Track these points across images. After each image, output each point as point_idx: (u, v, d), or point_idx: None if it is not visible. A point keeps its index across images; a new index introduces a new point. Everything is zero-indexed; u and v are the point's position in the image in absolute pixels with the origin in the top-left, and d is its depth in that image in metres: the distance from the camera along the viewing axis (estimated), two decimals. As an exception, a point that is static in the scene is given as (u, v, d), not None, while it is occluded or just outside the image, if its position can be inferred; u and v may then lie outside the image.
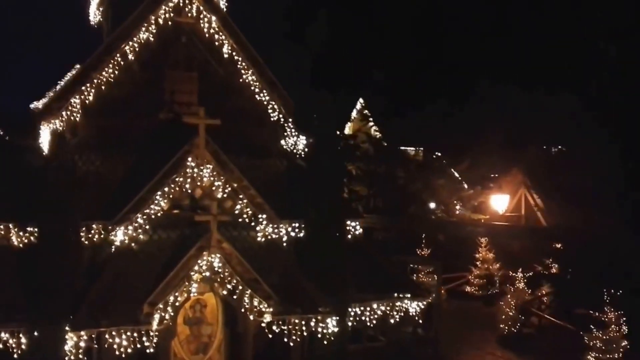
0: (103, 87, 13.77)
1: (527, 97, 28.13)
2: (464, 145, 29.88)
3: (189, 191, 12.57)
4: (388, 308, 13.83)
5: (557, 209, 26.53)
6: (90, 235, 11.84)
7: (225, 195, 12.66)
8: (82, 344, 10.56)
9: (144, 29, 14.04)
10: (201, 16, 14.61)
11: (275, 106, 15.35)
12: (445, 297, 22.68)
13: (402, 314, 13.96)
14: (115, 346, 10.73)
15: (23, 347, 10.76)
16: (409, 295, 13.97)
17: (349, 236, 14.32)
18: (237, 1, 16.10)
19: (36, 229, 11.43)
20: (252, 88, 15.18)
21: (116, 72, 13.86)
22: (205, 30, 14.63)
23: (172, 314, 11.24)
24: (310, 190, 13.73)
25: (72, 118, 13.53)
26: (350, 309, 13.20)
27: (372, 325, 13.76)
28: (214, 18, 14.65)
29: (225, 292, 11.70)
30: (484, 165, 29.66)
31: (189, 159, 12.43)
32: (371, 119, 30.85)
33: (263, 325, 11.87)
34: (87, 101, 13.63)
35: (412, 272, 19.47)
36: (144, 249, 11.96)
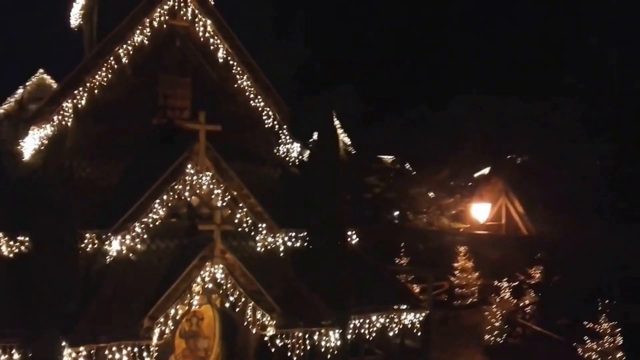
0: (96, 91, 13.25)
1: (506, 106, 28.45)
2: (444, 153, 30.04)
3: (188, 199, 12.14)
4: (387, 320, 13.61)
5: (538, 217, 26.84)
6: (85, 245, 11.29)
7: (224, 204, 12.28)
8: (80, 360, 10.04)
9: (138, 31, 13.59)
10: (196, 19, 14.23)
11: (270, 112, 15.04)
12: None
13: (401, 326, 13.76)
14: (113, 362, 10.23)
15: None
16: (408, 307, 13.78)
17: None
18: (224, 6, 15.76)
19: (27, 238, 10.85)
20: (247, 93, 14.83)
21: (109, 75, 13.37)
22: (200, 33, 14.24)
23: (172, 327, 10.80)
24: (309, 199, 13.45)
25: (63, 123, 12.97)
26: (350, 321, 12.93)
27: (371, 338, 13.51)
28: (209, 21, 14.27)
29: (227, 305, 11.30)
30: (464, 173, 29.86)
31: (189, 165, 12.02)
32: (340, 127, 30.72)
33: (265, 339, 11.51)
34: (79, 105, 13.10)
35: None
36: (143, 259, 11.47)
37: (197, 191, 12.18)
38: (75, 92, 13.12)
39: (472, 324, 23.14)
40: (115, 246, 11.35)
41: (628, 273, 20.94)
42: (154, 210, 11.70)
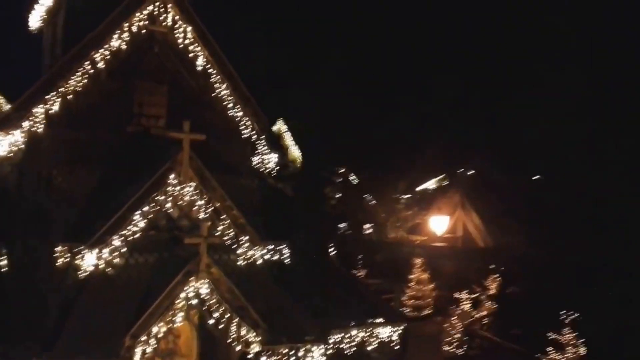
0: (69, 97, 12.66)
1: (465, 118, 29.06)
2: (402, 166, 30.37)
3: (170, 211, 11.74)
4: (367, 335, 13.55)
5: (495, 230, 27.47)
6: (61, 259, 10.70)
7: (207, 216, 11.94)
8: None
9: (116, 36, 13.09)
10: (176, 26, 13.84)
11: (248, 122, 14.79)
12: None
13: (379, 340, 13.72)
14: (93, 383, 9.71)
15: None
16: (386, 321, 13.76)
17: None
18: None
19: (4, 251, 10.22)
20: (225, 103, 14.54)
21: (85, 81, 12.81)
22: (180, 40, 13.86)
23: (155, 346, 10.36)
24: (290, 212, 13.32)
25: (32, 129, 12.31)
26: (332, 336, 12.79)
27: (350, 353, 13.40)
28: (189, 28, 13.91)
29: (211, 321, 10.94)
30: (422, 186, 30.28)
31: (171, 176, 11.63)
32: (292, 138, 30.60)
33: (249, 356, 11.21)
34: (51, 111, 12.48)
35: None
36: (122, 274, 10.98)
37: (180, 202, 11.80)
38: (47, 97, 12.51)
39: (431, 335, 23.41)
40: (93, 260, 10.82)
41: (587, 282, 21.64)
42: (135, 222, 11.25)
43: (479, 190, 28.41)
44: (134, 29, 13.33)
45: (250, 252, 12.46)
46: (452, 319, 22.27)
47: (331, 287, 13.45)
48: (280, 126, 28.95)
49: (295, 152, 29.47)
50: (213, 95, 14.40)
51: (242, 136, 14.73)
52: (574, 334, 18.35)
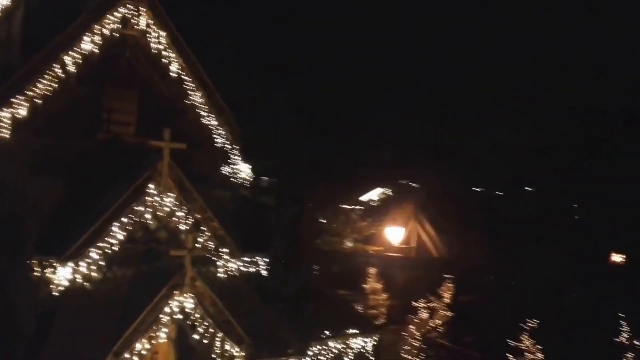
0: (37, 101, 11.98)
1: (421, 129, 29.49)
2: (357, 177, 30.44)
3: (149, 222, 11.26)
4: (343, 346, 13.43)
5: (448, 240, 27.93)
6: (33, 273, 10.03)
7: (187, 227, 11.53)
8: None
9: (87, 38, 12.51)
10: (149, 30, 13.38)
11: (222, 132, 14.46)
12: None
13: (355, 351, 13.64)
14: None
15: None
16: (363, 332, 13.70)
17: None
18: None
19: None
20: (198, 111, 14.17)
21: (53, 84, 12.15)
22: (154, 46, 13.40)
23: (137, 363, 9.86)
24: (264, 223, 13.08)
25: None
26: (311, 349, 12.60)
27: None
28: (163, 33, 13.47)
29: (196, 336, 10.52)
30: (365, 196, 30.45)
31: (151, 186, 11.16)
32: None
33: (231, 371, 10.87)
34: (17, 116, 11.76)
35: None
36: (100, 288, 10.42)
37: (159, 213, 11.34)
38: (14, 100, 11.79)
39: (388, 345, 23.56)
40: (68, 274, 10.22)
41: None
42: (112, 233, 10.71)
43: (433, 202, 28.81)
44: (106, 31, 12.77)
45: (230, 265, 12.14)
46: (410, 327, 22.50)
47: (307, 299, 13.27)
48: None
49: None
50: (186, 103, 14.02)
51: (215, 145, 14.40)
52: (533, 341, 18.84)
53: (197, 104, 14.08)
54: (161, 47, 13.46)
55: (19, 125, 11.76)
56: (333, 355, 13.19)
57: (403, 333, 22.15)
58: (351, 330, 13.51)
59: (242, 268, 12.43)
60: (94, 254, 10.45)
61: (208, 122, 14.27)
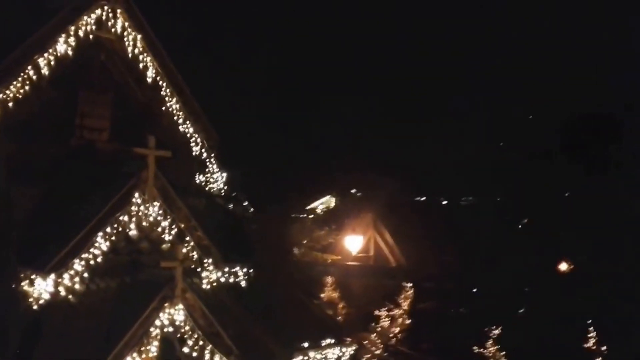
0: (10, 105, 11.33)
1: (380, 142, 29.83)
2: (315, 186, 30.48)
3: (134, 232, 10.81)
4: (323, 357, 13.29)
5: (407, 249, 28.30)
6: (18, 287, 9.43)
7: (171, 237, 11.15)
8: None
9: (61, 40, 11.96)
10: (125, 33, 12.92)
11: (198, 139, 14.11)
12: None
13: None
14: None
15: None
16: (344, 342, 13.61)
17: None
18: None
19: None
20: (174, 118, 13.78)
21: (26, 87, 11.53)
22: (130, 49, 12.95)
23: (127, 380, 9.41)
24: (241, 232, 12.85)
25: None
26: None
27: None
28: (139, 36, 13.04)
29: (185, 350, 10.15)
30: (336, 206, 30.53)
31: (136, 194, 10.73)
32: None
33: (221, 384, 10.54)
34: (-12, 120, 11.10)
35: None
36: (84, 301, 9.90)
37: (144, 223, 10.91)
38: (-16, 104, 11.13)
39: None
40: (51, 287, 9.65)
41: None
42: (96, 244, 10.21)
43: (392, 211, 29.16)
44: (81, 33, 12.27)
45: (214, 275, 11.82)
46: (372, 335, 22.61)
47: (287, 308, 13.09)
48: None
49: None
50: (161, 109, 13.61)
51: (192, 153, 14.04)
52: (496, 347, 19.29)
53: (173, 110, 13.71)
54: (137, 51, 13.06)
55: (-11, 130, 11.13)
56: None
57: (363, 342, 22.23)
58: (332, 340, 13.39)
59: (221, 279, 12.12)
60: (78, 265, 9.92)
61: (184, 129, 13.92)
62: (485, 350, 19.30)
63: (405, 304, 26.32)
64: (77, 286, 9.93)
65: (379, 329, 23.19)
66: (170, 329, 9.91)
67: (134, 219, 10.74)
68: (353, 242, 29.16)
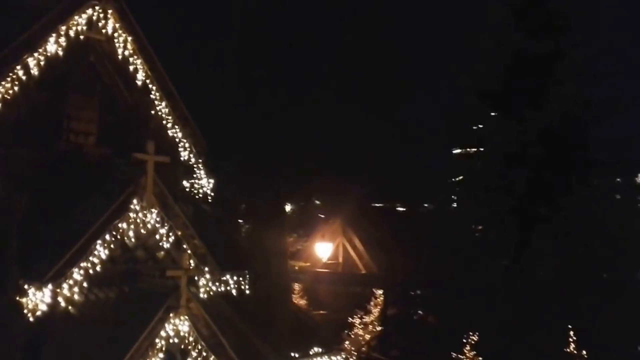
0: (-1, 106, 10.80)
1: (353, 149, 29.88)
2: (286, 193, 30.23)
3: (133, 240, 10.45)
4: (316, 365, 13.19)
5: (375, 257, 28.45)
6: (18, 297, 8.95)
7: (169, 245, 10.85)
8: None
9: (52, 39, 11.48)
10: (115, 35, 12.53)
11: (186, 145, 13.81)
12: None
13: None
14: None
15: None
16: (334, 350, 13.55)
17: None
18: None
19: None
20: (163, 122, 13.45)
21: (14, 88, 11.01)
22: (120, 51, 12.56)
23: (132, 394, 9.07)
24: (231, 239, 12.66)
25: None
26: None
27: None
28: (130, 38, 12.68)
29: (189, 361, 9.88)
30: (305, 212, 30.45)
31: (134, 201, 10.39)
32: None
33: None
34: (-24, 122, 10.53)
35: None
36: (85, 312, 9.49)
37: (142, 230, 10.57)
38: (-28, 105, 10.57)
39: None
40: (49, 297, 9.22)
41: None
42: (95, 253, 9.82)
43: (361, 218, 29.26)
44: (72, 33, 11.82)
45: (211, 284, 11.55)
46: (344, 342, 22.60)
47: (279, 317, 12.95)
48: None
49: None
50: (150, 112, 13.26)
51: (180, 158, 13.73)
52: (473, 353, 19.55)
53: (161, 114, 13.38)
54: (127, 52, 12.69)
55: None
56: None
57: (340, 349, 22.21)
58: (325, 349, 13.32)
59: (219, 288, 11.88)
60: (77, 275, 9.51)
61: (173, 134, 13.60)
62: (462, 356, 19.52)
63: (375, 311, 26.49)
64: (76, 296, 9.52)
65: (352, 336, 23.21)
66: (175, 340, 9.60)
67: (132, 227, 10.39)
68: (322, 249, 29.14)
